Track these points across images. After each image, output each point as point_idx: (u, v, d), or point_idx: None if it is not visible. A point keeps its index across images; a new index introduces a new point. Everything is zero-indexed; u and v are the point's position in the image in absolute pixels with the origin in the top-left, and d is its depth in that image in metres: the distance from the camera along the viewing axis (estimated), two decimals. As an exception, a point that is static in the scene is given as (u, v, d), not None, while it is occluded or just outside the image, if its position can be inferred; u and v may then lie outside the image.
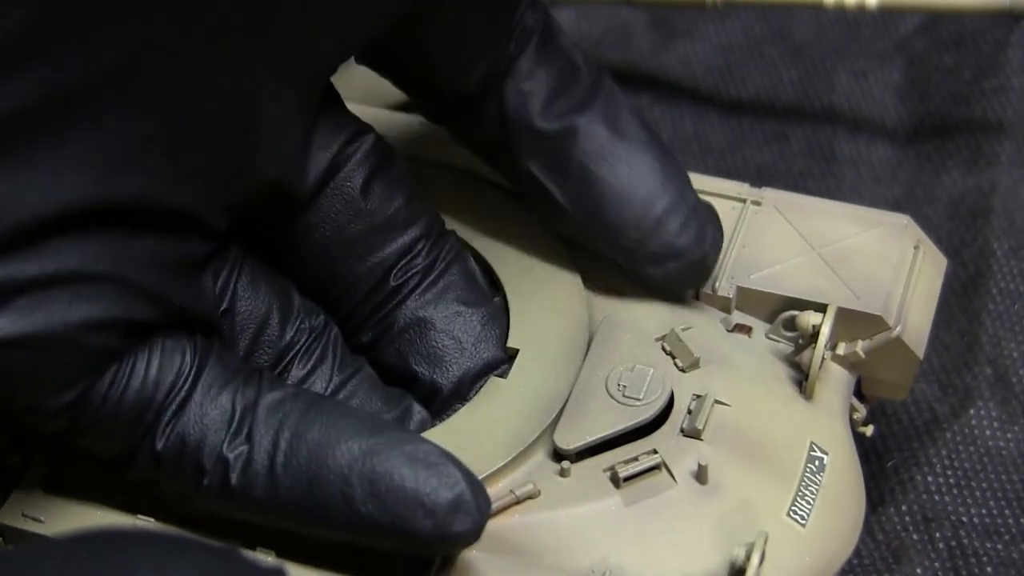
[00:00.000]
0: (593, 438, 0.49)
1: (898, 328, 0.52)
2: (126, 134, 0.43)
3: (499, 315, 0.52)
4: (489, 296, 0.53)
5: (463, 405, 0.51)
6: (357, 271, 0.51)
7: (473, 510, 0.45)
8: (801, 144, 0.72)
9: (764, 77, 0.74)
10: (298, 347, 0.50)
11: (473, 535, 0.45)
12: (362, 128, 0.51)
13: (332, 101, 0.51)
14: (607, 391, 0.49)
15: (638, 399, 0.49)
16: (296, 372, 0.50)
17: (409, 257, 0.52)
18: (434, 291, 0.52)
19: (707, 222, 0.52)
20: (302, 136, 0.49)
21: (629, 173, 0.51)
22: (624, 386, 0.49)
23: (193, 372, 0.47)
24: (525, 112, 0.51)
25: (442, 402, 0.51)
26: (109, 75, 0.42)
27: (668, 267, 0.52)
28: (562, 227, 0.53)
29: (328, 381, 0.51)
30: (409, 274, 0.52)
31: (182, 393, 0.46)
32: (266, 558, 0.47)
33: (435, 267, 0.52)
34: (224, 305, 0.49)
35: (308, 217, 0.50)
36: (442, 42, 0.50)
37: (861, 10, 0.67)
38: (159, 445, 0.46)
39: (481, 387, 0.51)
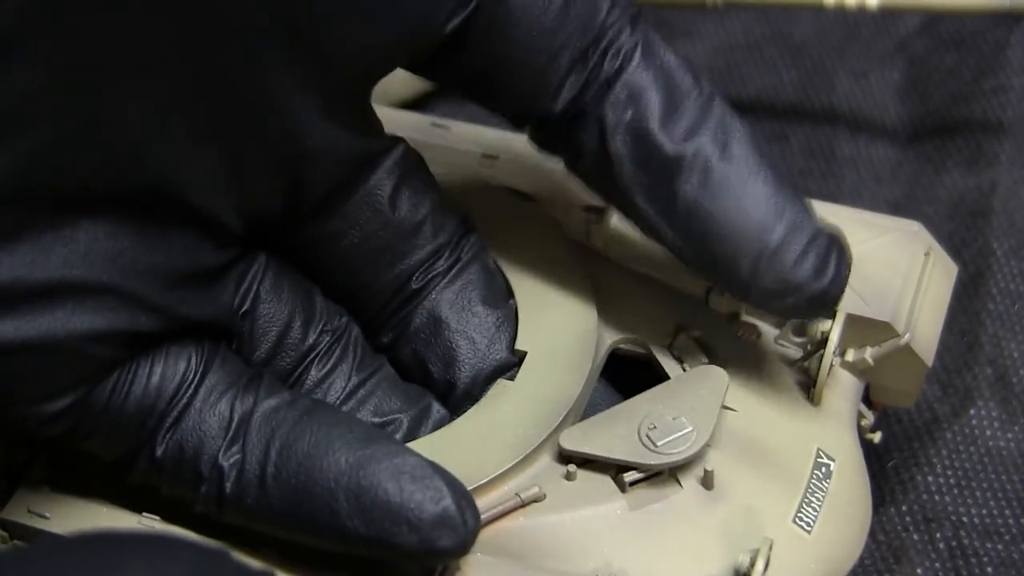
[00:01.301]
0: (593, 452, 0.48)
1: (907, 335, 0.52)
2: (136, 122, 0.43)
3: (514, 318, 0.52)
4: (506, 298, 0.53)
5: (473, 406, 0.51)
6: (384, 277, 0.51)
7: (459, 525, 0.44)
8: (801, 144, 0.72)
9: (764, 77, 0.74)
10: (319, 349, 0.50)
11: (460, 549, 0.45)
12: (392, 138, 0.51)
13: (365, 112, 0.50)
14: (639, 423, 0.48)
15: (655, 446, 0.48)
16: (315, 373, 0.50)
17: (432, 260, 0.51)
18: (452, 289, 0.52)
19: (829, 250, 0.48)
20: (323, 141, 0.48)
21: (739, 204, 0.48)
22: (654, 427, 0.48)
23: (197, 379, 0.47)
24: (627, 142, 0.48)
25: (455, 402, 0.51)
26: (112, 65, 0.42)
27: (787, 302, 0.48)
28: (678, 258, 0.50)
29: (347, 381, 0.50)
30: (430, 276, 0.51)
31: (184, 399, 0.46)
32: (258, 561, 0.47)
33: (455, 267, 0.52)
34: (245, 307, 0.49)
35: (336, 224, 0.50)
36: (507, 62, 0.48)
37: (861, 10, 0.67)
38: (158, 452, 0.46)
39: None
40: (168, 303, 0.46)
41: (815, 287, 0.48)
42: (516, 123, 0.51)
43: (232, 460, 0.46)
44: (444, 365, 0.51)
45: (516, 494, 0.48)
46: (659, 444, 0.48)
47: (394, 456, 0.45)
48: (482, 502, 0.47)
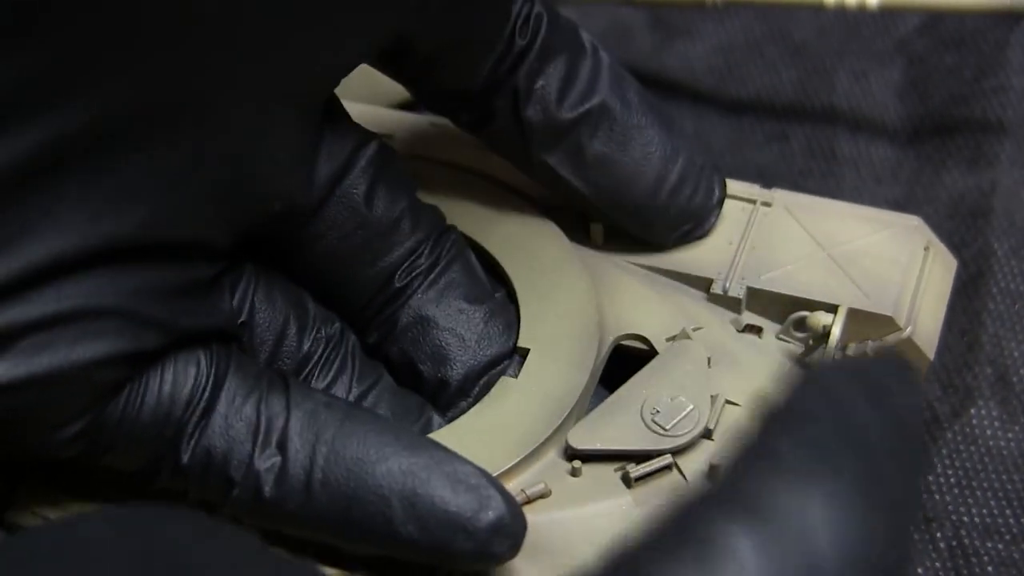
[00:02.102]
0: (604, 447, 0.49)
1: (908, 329, 0.52)
2: (125, 176, 0.43)
3: (502, 310, 0.52)
4: (491, 292, 0.53)
5: (467, 402, 0.51)
6: (364, 276, 0.51)
7: (511, 532, 0.45)
8: (801, 144, 0.71)
9: (764, 77, 0.74)
10: (317, 357, 0.50)
11: (511, 554, 0.45)
12: (365, 135, 0.51)
13: (334, 111, 0.50)
14: (640, 411, 0.49)
15: (664, 429, 0.49)
16: (317, 384, 0.50)
17: (413, 258, 0.51)
18: (436, 289, 0.52)
19: (712, 175, 0.55)
20: (306, 151, 0.48)
21: (642, 150, 0.53)
22: (657, 411, 0.49)
23: (211, 382, 0.46)
24: (539, 108, 0.51)
25: (448, 399, 0.51)
26: (107, 125, 0.42)
27: (683, 229, 0.54)
28: (583, 209, 0.54)
29: (348, 392, 0.50)
30: (413, 274, 0.51)
31: (202, 404, 0.46)
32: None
33: (437, 265, 0.52)
34: (243, 318, 0.49)
35: (314, 226, 0.50)
36: (441, 43, 0.50)
37: (861, 10, 0.67)
38: (184, 459, 0.46)
39: (486, 383, 0.51)
40: (168, 318, 0.45)
41: (708, 210, 0.54)
42: (432, 97, 0.53)
43: (269, 464, 0.46)
44: (435, 364, 0.51)
45: (522, 491, 0.48)
46: (668, 427, 0.48)
47: (446, 463, 0.46)
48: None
